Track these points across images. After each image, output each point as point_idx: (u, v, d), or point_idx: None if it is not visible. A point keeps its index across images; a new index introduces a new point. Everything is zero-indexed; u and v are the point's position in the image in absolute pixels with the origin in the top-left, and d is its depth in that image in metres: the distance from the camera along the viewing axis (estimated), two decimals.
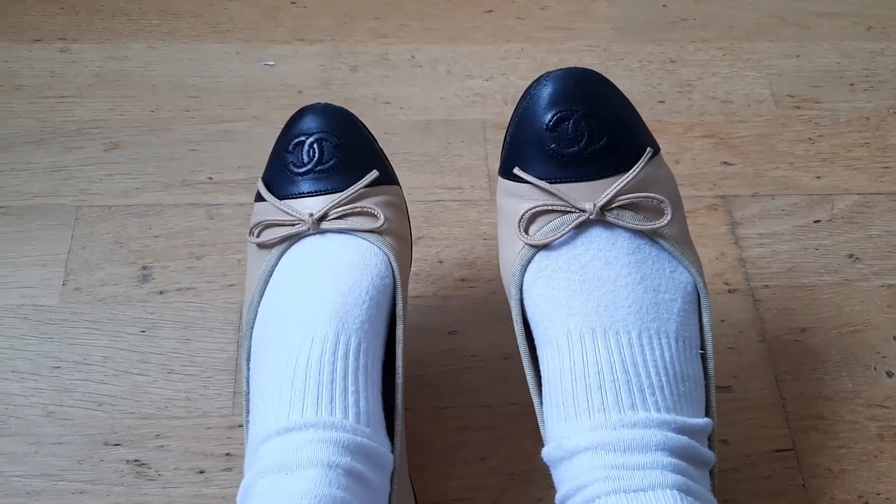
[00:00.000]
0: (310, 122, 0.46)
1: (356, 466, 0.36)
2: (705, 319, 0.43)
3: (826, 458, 0.54)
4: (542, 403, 0.42)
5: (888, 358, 0.58)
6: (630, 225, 0.40)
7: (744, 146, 0.67)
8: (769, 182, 0.65)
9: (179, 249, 0.59)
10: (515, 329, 0.43)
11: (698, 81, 0.71)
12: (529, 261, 0.42)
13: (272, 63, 0.70)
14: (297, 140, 0.46)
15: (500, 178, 0.45)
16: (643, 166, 0.41)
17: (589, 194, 0.41)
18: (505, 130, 0.60)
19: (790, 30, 0.75)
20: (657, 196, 0.41)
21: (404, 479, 0.44)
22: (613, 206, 0.40)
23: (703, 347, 0.42)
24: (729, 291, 0.60)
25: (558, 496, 0.38)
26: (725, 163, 0.66)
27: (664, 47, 0.72)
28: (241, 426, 0.52)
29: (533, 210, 0.41)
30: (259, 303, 0.43)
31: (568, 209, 0.41)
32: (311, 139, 0.45)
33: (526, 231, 0.42)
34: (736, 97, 0.70)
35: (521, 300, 0.43)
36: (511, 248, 0.43)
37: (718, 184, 0.65)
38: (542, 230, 0.41)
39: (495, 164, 0.65)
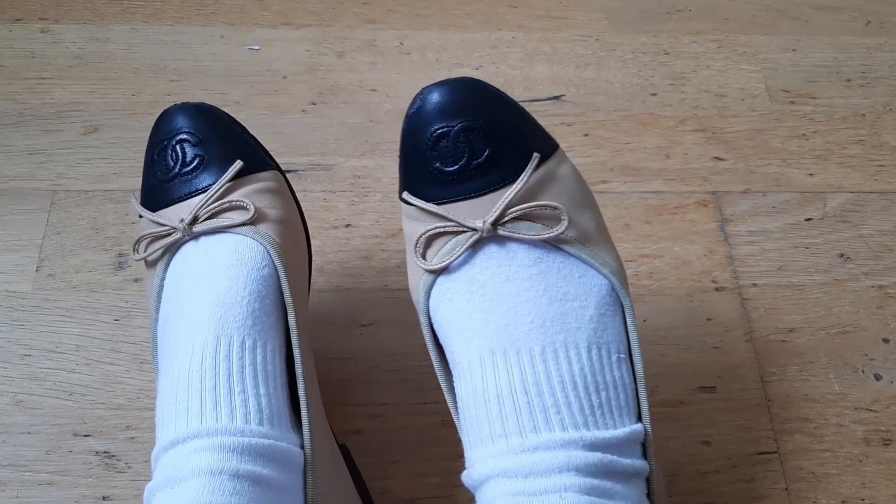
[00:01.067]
0: (168, 125, 0.45)
1: (247, 469, 0.35)
2: (629, 320, 0.40)
3: (810, 461, 0.53)
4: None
5: (876, 360, 0.57)
6: (526, 236, 0.38)
7: (736, 141, 0.66)
8: (761, 178, 0.64)
9: None
10: (431, 356, 0.41)
11: (692, 74, 0.69)
12: (432, 286, 0.40)
13: (257, 47, 0.68)
14: (159, 147, 0.45)
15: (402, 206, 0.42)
16: (531, 174, 0.39)
17: (479, 211, 0.39)
18: None
19: (787, 23, 0.73)
20: (549, 203, 0.39)
21: (330, 470, 0.42)
22: (505, 219, 0.38)
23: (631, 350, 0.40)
24: (716, 289, 0.59)
25: None
26: (717, 158, 0.65)
27: (658, 39, 0.71)
28: None
29: (426, 234, 0.40)
30: (157, 319, 0.42)
31: (459, 229, 0.39)
32: (172, 142, 0.44)
33: (423, 256, 0.40)
34: (730, 91, 0.68)
35: (430, 326, 0.41)
36: (415, 273, 0.42)
37: (709, 179, 0.63)
38: (438, 253, 0.40)
39: None
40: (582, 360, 0.37)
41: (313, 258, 0.58)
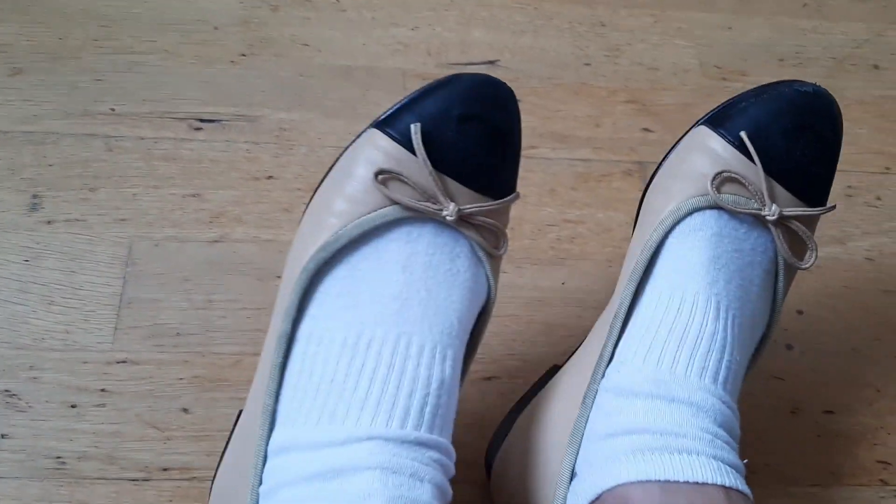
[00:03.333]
0: (489, 107, 0.40)
1: (449, 497, 0.36)
2: (755, 363, 0.44)
3: None
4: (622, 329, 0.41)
5: (790, 331, 0.58)
6: (782, 249, 0.41)
7: (666, 114, 0.66)
8: None
9: (74, 180, 0.57)
10: (642, 252, 0.41)
11: (627, 47, 0.70)
12: (700, 209, 0.41)
13: None
14: (469, 111, 0.39)
15: (705, 127, 0.43)
16: (824, 212, 0.43)
17: (780, 199, 0.41)
18: (426, 82, 0.59)
19: (725, 1, 0.74)
20: (814, 241, 0.42)
21: None
22: (788, 223, 0.41)
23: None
24: None
25: (627, 424, 0.38)
26: (646, 129, 0.65)
27: (595, 10, 0.71)
28: (121, 362, 0.51)
29: (733, 176, 0.41)
30: (335, 250, 0.37)
31: (759, 199, 0.41)
32: (487, 127, 0.39)
33: (717, 188, 0.41)
34: (663, 65, 0.69)
35: (665, 235, 0.41)
36: (683, 184, 0.42)
37: (636, 149, 0.64)
38: (729, 197, 0.41)
39: None
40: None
41: (232, 209, 0.57)
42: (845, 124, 0.69)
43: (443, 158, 0.38)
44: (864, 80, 0.71)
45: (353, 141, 0.40)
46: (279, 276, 0.55)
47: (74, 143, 0.58)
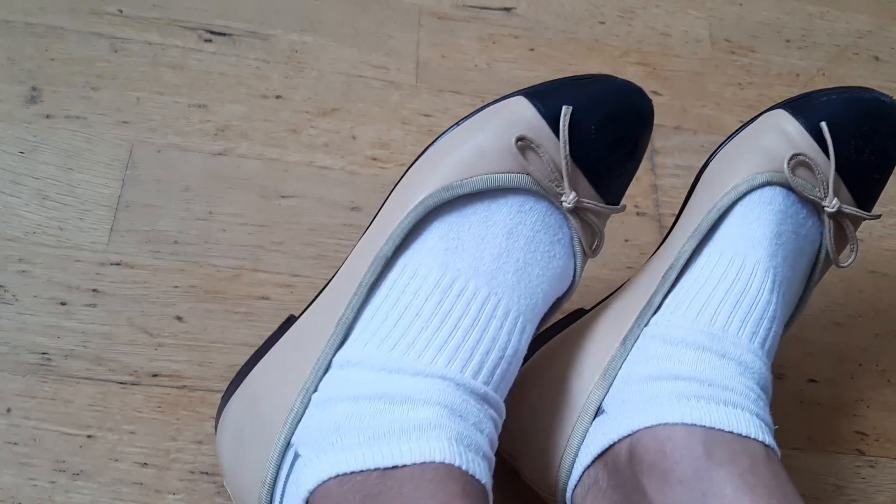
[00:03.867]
0: (640, 124, 0.42)
1: (489, 453, 0.36)
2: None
3: None
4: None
5: None
6: (828, 243, 0.43)
7: (675, 80, 0.67)
8: (693, 118, 0.65)
9: (75, 77, 0.55)
10: (710, 211, 0.43)
11: (641, 10, 0.70)
12: (772, 183, 0.42)
13: None
14: (612, 126, 0.40)
15: (784, 111, 0.44)
16: (871, 217, 0.45)
17: (841, 195, 0.43)
18: (442, 19, 0.58)
19: None
20: (857, 241, 0.45)
21: None
22: (839, 218, 0.43)
23: None
24: (637, 214, 0.59)
25: (676, 371, 0.39)
26: (655, 92, 0.65)
27: None
28: (115, 264, 0.49)
29: (808, 161, 0.42)
30: (457, 195, 0.38)
31: (824, 190, 0.43)
32: (631, 143, 0.42)
33: (792, 170, 0.43)
34: (675, 32, 0.69)
35: (735, 200, 0.42)
36: (757, 157, 0.43)
37: None
38: (801, 181, 0.42)
39: (426, 52, 0.63)
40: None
41: (238, 124, 0.56)
42: None
43: (579, 148, 0.39)
44: (865, 70, 0.72)
45: (497, 101, 0.41)
46: (283, 196, 0.54)
47: (79, 40, 0.56)
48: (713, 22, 0.71)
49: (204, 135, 0.55)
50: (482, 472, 0.34)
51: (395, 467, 0.32)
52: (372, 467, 0.32)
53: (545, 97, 0.40)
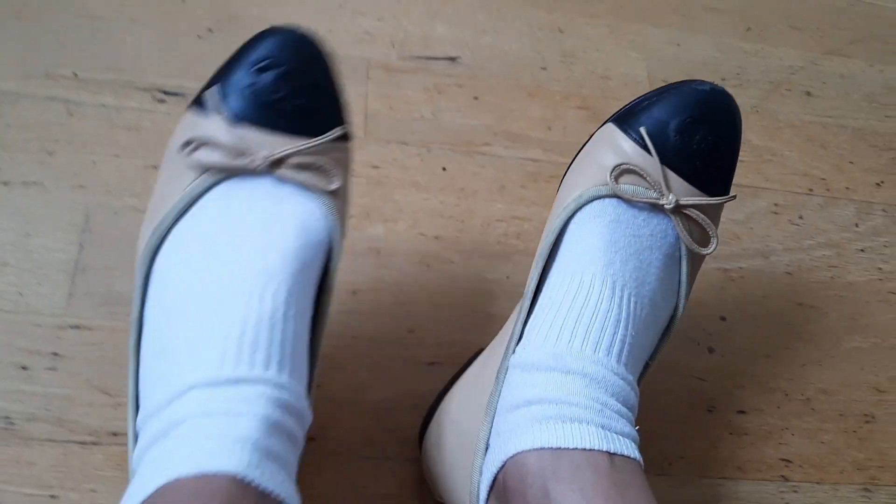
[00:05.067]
0: (286, 51, 0.41)
1: (294, 429, 0.36)
2: (664, 343, 0.47)
3: (641, 420, 0.58)
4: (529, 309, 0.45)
5: (712, 335, 0.63)
6: (683, 235, 0.44)
7: None
8: None
9: (31, 143, 0.57)
10: (546, 236, 0.45)
11: (582, 54, 0.73)
12: (599, 198, 0.45)
13: None
14: (265, 63, 0.40)
15: (611, 125, 0.47)
16: (723, 202, 0.46)
17: (676, 188, 0.44)
18: (389, 71, 0.60)
19: (676, 18, 0.78)
20: (714, 228, 0.45)
21: None
22: (686, 211, 0.44)
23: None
24: None
25: (527, 396, 0.41)
26: None
27: (554, 16, 0.74)
28: (74, 327, 0.52)
29: (630, 168, 0.44)
30: (170, 227, 0.39)
31: (657, 188, 0.44)
32: (282, 69, 0.40)
33: (616, 179, 0.45)
34: (614, 75, 0.72)
35: (567, 221, 0.45)
36: (588, 175, 0.46)
37: None
38: (627, 187, 0.44)
39: (375, 104, 0.65)
40: None
41: None
42: (777, 145, 0.74)
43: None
44: (797, 105, 0.76)
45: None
46: None
47: (33, 105, 0.58)
48: (651, 63, 0.74)
49: None
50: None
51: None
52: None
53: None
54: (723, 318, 0.63)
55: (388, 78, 0.67)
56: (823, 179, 0.72)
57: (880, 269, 0.69)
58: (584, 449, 0.38)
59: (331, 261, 0.42)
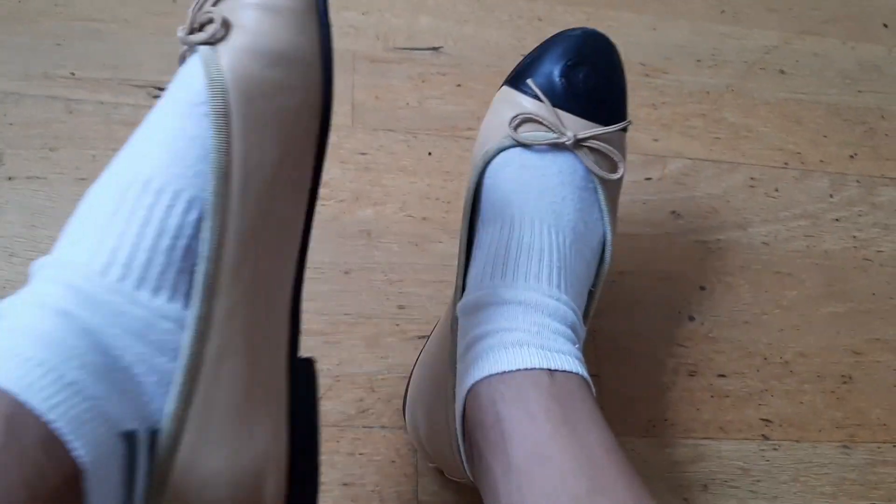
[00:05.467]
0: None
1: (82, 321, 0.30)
2: (603, 269, 0.51)
3: (625, 386, 0.60)
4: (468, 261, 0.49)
5: (693, 304, 0.65)
6: (590, 165, 0.48)
7: None
8: None
9: (34, 139, 0.60)
10: (466, 194, 0.50)
11: None
12: (504, 149, 0.49)
13: None
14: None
15: (505, 87, 0.52)
16: (618, 129, 0.49)
17: (572, 125, 0.48)
18: (375, 62, 0.63)
19: (653, 4, 0.81)
20: (617, 154, 0.49)
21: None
22: (586, 143, 0.48)
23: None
24: None
25: (473, 334, 0.44)
26: None
27: (535, 5, 0.77)
28: None
29: (529, 116, 0.48)
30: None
31: (554, 128, 0.48)
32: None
33: (515, 128, 0.49)
34: None
35: (482, 175, 0.49)
36: (493, 133, 0.50)
37: None
38: (526, 134, 0.48)
39: (361, 94, 0.68)
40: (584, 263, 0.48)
41: None
42: (753, 122, 0.77)
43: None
44: (772, 83, 0.78)
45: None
46: None
47: (35, 103, 0.61)
48: (629, 47, 0.76)
49: None
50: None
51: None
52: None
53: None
54: (702, 288, 0.66)
55: (373, 69, 0.69)
56: (798, 153, 0.75)
57: (854, 237, 0.71)
58: (526, 369, 0.40)
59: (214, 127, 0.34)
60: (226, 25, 0.35)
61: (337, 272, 0.60)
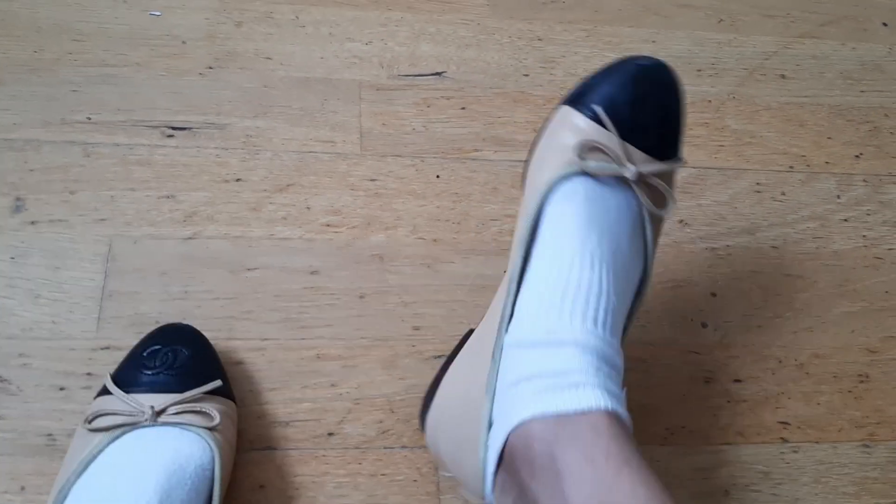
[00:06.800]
0: (166, 335, 0.53)
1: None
2: (638, 305, 0.51)
3: (641, 395, 0.61)
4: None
5: (705, 311, 0.66)
6: (645, 202, 0.48)
7: None
8: None
9: (54, 184, 0.62)
10: (524, 220, 0.49)
11: (561, 59, 0.77)
12: (569, 176, 0.47)
13: (158, 13, 0.72)
14: (153, 348, 0.52)
15: (566, 107, 0.50)
16: (677, 166, 0.49)
17: (636, 159, 0.47)
18: (380, 90, 0.64)
19: (651, 17, 0.82)
20: (670, 192, 0.49)
21: None
22: (646, 179, 0.47)
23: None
24: None
25: (529, 370, 0.44)
26: None
27: (533, 26, 0.78)
28: (104, 349, 0.56)
29: (598, 145, 0.47)
30: (74, 483, 0.46)
31: (618, 161, 0.47)
32: (166, 348, 0.52)
33: (579, 156, 0.47)
34: None
35: (542, 204, 0.48)
36: (553, 157, 0.48)
37: None
38: (594, 164, 0.47)
39: (368, 122, 0.70)
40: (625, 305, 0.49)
41: (204, 209, 0.63)
42: (756, 127, 0.78)
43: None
44: (773, 88, 0.79)
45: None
46: (249, 269, 0.61)
47: (54, 149, 0.63)
48: None
49: (174, 223, 0.61)
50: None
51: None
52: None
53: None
54: (713, 295, 0.66)
55: (379, 96, 0.71)
56: (803, 156, 0.75)
57: (864, 236, 0.71)
58: (583, 411, 0.41)
59: (214, 485, 0.48)
60: None
61: (352, 297, 0.61)
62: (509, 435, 0.43)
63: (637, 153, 0.48)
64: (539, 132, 0.51)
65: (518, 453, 0.42)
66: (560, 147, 0.48)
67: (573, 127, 0.49)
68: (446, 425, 0.50)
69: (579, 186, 0.47)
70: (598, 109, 0.48)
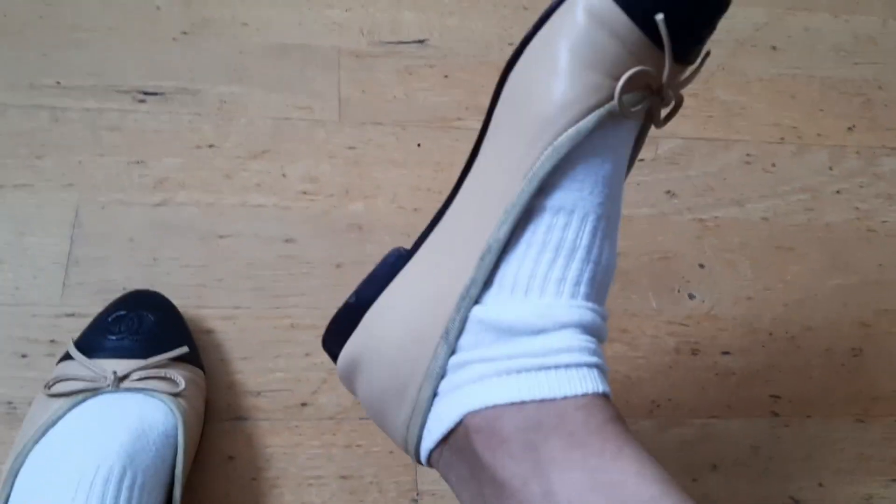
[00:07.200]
0: (133, 301, 0.52)
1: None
2: None
3: (626, 366, 0.59)
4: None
5: (692, 283, 0.64)
6: (655, 117, 0.39)
7: None
8: None
9: (20, 148, 0.60)
10: (516, 183, 0.38)
11: None
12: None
13: None
14: (118, 313, 0.51)
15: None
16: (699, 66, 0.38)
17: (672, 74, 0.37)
18: (360, 57, 0.62)
19: None
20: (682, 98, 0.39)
21: None
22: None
23: None
24: None
25: (513, 350, 0.37)
26: None
27: None
28: (69, 315, 0.54)
29: (644, 71, 0.35)
30: (31, 449, 0.44)
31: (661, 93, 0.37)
32: (132, 314, 0.50)
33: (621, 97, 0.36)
34: None
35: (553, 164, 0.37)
36: (577, 82, 0.36)
37: None
38: (631, 108, 0.36)
39: (347, 89, 0.68)
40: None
41: (175, 176, 0.61)
42: (746, 99, 0.76)
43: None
44: (764, 60, 0.77)
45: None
46: (221, 236, 0.59)
47: (20, 113, 0.61)
48: None
49: (144, 189, 0.59)
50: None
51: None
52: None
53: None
54: (701, 266, 0.64)
55: (359, 64, 0.69)
56: (795, 128, 0.73)
57: (857, 208, 0.70)
58: (571, 396, 0.35)
59: (178, 453, 0.47)
60: None
61: (329, 266, 0.59)
62: (466, 415, 0.37)
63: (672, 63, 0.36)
64: (549, 9, 0.38)
65: (479, 438, 0.36)
66: (589, 66, 0.35)
67: (619, 35, 0.35)
68: (372, 364, 0.40)
69: (608, 134, 0.36)
70: (661, 22, 0.34)
